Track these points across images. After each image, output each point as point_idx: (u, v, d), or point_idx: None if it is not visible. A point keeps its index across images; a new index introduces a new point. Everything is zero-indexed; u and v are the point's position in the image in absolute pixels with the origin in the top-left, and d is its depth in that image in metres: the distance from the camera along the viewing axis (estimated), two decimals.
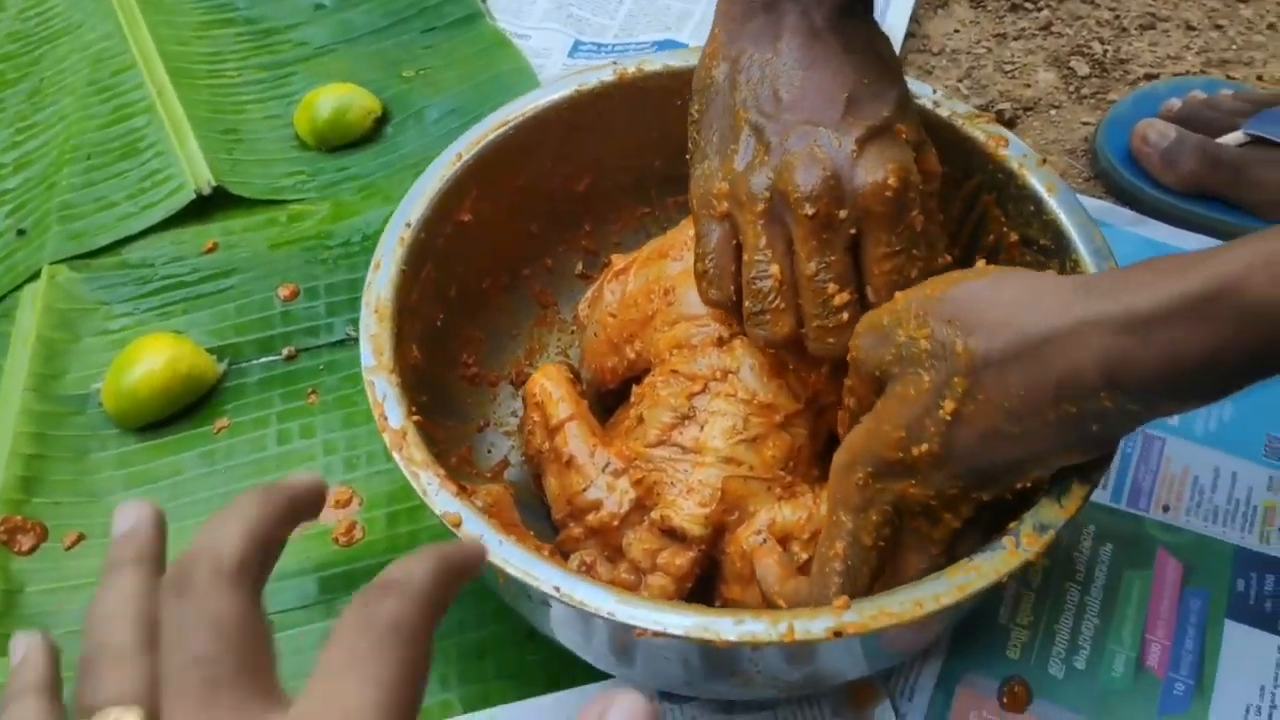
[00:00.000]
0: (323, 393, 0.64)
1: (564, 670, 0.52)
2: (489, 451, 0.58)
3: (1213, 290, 0.34)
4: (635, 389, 0.52)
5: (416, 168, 0.55)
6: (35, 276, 0.70)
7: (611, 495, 0.49)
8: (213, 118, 0.80)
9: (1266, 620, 0.54)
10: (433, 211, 0.54)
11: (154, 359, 0.62)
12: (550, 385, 0.53)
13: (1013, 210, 0.53)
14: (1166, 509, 0.58)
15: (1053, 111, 0.79)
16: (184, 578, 0.26)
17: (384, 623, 0.25)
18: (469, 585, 0.28)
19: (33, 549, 0.58)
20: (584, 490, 0.50)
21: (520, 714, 0.51)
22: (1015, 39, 0.85)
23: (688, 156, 0.50)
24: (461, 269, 0.57)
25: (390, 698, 0.24)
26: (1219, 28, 0.85)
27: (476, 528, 0.42)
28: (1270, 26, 0.85)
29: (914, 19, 0.85)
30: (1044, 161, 0.53)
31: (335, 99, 0.78)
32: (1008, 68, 0.82)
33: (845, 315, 0.44)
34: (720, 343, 0.50)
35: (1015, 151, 0.53)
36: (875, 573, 0.42)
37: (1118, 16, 0.86)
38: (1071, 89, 0.81)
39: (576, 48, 0.85)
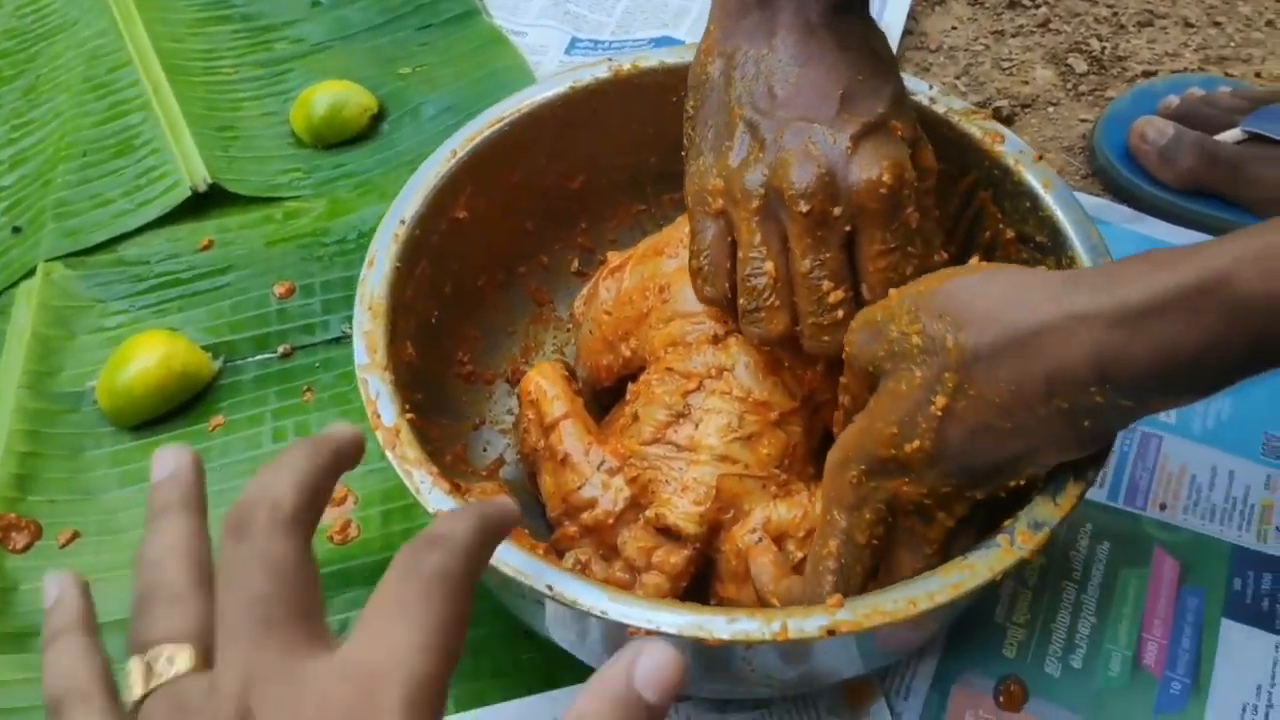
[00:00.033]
0: (318, 390, 0.64)
1: (558, 669, 0.52)
2: (484, 450, 0.58)
3: (1203, 284, 0.33)
4: (631, 387, 0.52)
5: (413, 165, 0.55)
6: (30, 274, 0.70)
7: (606, 493, 0.49)
8: (208, 115, 0.80)
9: (1264, 619, 0.54)
10: (427, 208, 0.53)
11: (149, 356, 0.62)
12: (545, 383, 0.53)
13: (1009, 207, 0.53)
14: (1164, 507, 0.58)
15: (1050, 109, 0.79)
16: (243, 523, 0.28)
17: (430, 573, 0.27)
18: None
19: (27, 547, 0.58)
20: (579, 488, 0.50)
21: (515, 712, 0.51)
22: (1013, 36, 0.85)
23: (683, 153, 0.50)
24: (457, 266, 0.57)
25: (435, 641, 0.26)
26: (1217, 25, 0.84)
27: None
28: (1269, 23, 0.84)
29: (912, 16, 0.85)
30: (1040, 158, 0.52)
31: (331, 96, 0.78)
32: (1006, 65, 0.82)
33: (840, 313, 0.44)
34: (715, 340, 0.50)
35: (1011, 148, 0.53)
36: (869, 572, 0.42)
37: (1116, 13, 0.86)
38: (1069, 86, 0.80)
39: (573, 44, 0.85)
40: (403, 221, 0.52)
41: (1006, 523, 0.41)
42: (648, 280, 0.53)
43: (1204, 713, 0.51)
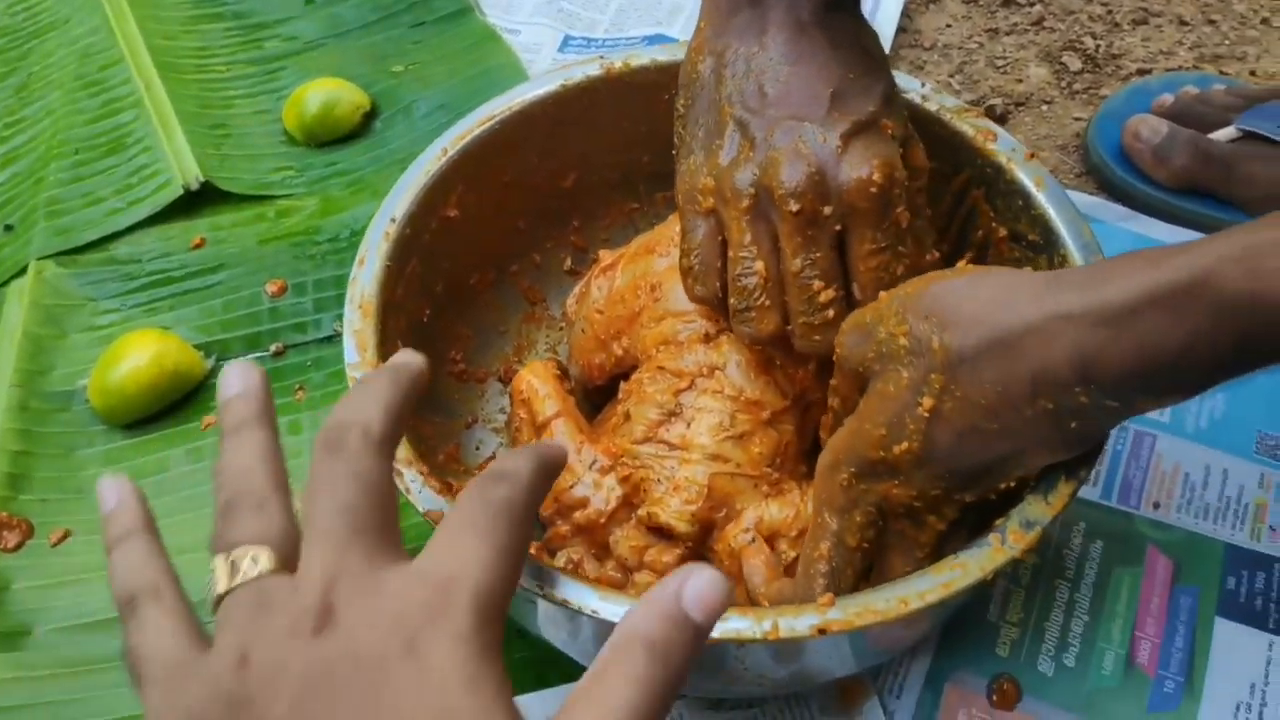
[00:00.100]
0: (310, 389, 0.64)
1: (550, 668, 0.52)
2: (477, 448, 0.58)
3: (1186, 283, 0.33)
4: (623, 385, 0.52)
5: (405, 163, 0.55)
6: (22, 272, 0.70)
7: (598, 492, 0.49)
8: (201, 113, 0.79)
9: (1257, 618, 0.54)
10: (418, 207, 0.53)
11: (141, 355, 0.62)
12: (537, 382, 0.53)
13: (1001, 205, 0.53)
14: (1157, 506, 0.58)
15: (1044, 107, 0.79)
16: (338, 440, 0.31)
17: (498, 502, 0.30)
18: None
19: (19, 546, 0.58)
20: (571, 487, 0.50)
21: None
22: (1007, 34, 0.85)
23: (674, 152, 0.50)
24: (448, 265, 0.57)
25: (501, 559, 0.28)
26: (1212, 23, 0.84)
27: None
28: (1264, 21, 0.84)
29: (906, 14, 0.85)
30: (1032, 156, 0.52)
31: (324, 94, 0.77)
32: (1000, 63, 0.82)
33: (831, 312, 0.44)
34: (707, 339, 0.50)
35: (1003, 146, 0.53)
36: (860, 574, 0.42)
37: (1110, 11, 0.85)
38: (1063, 84, 0.80)
39: (566, 43, 0.85)
40: (393, 220, 0.52)
41: (998, 521, 0.41)
42: (639, 279, 0.53)
43: (1197, 711, 0.51)
